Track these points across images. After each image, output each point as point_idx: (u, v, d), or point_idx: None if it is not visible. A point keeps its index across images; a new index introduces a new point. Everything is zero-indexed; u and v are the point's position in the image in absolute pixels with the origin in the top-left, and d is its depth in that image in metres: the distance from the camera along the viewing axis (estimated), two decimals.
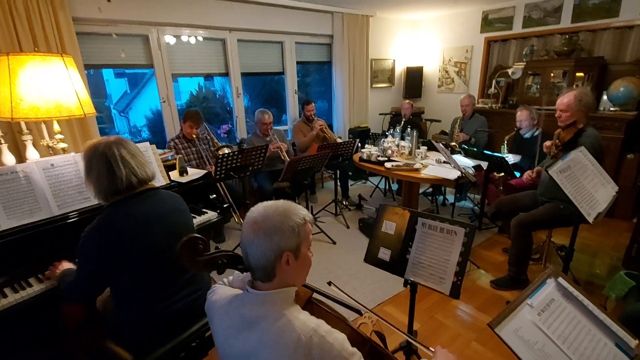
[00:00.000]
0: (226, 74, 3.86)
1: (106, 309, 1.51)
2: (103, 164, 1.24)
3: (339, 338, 0.83)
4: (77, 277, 1.30)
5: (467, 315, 2.24)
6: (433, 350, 1.15)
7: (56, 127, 2.01)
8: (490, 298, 2.38)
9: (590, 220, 1.67)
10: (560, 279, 1.21)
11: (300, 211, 0.90)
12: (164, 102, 3.44)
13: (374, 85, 5.21)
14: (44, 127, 2.05)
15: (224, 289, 1.01)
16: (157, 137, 3.91)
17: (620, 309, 2.04)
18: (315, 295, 1.14)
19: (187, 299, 1.44)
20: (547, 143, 2.29)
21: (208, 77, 4.54)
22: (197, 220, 2.11)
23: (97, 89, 4.46)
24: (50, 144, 2.09)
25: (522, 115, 3.18)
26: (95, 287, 1.34)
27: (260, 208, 0.89)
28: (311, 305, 1.25)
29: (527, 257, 2.42)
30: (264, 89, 5.64)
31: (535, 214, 2.34)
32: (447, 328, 2.11)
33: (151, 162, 2.06)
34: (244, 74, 3.99)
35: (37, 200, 1.61)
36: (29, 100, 1.70)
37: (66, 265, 1.49)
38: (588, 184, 1.84)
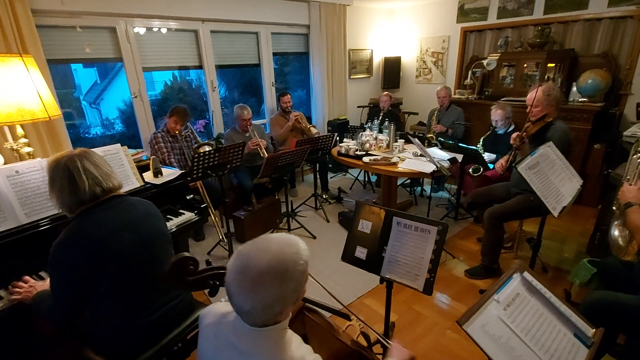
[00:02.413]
0: (200, 67, 3.76)
1: (83, 320, 1.49)
2: (65, 176, 1.21)
3: None
4: (54, 298, 1.26)
5: (443, 305, 2.34)
6: (391, 344, 1.18)
7: (19, 131, 1.91)
8: (465, 287, 2.49)
9: (556, 214, 1.75)
10: (526, 274, 1.27)
11: (299, 261, 0.78)
12: (136, 97, 3.32)
13: (352, 76, 5.20)
14: (7, 129, 1.95)
15: (216, 305, 0.96)
16: (132, 129, 3.77)
17: (584, 294, 2.17)
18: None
19: (165, 307, 1.42)
20: (514, 135, 2.36)
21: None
22: (175, 221, 2.08)
23: (64, 80, 4.24)
24: (15, 147, 1.99)
25: (497, 115, 3.19)
26: (76, 305, 1.28)
27: (253, 270, 0.75)
28: (302, 316, 1.27)
29: (499, 247, 2.53)
30: (243, 78, 5.52)
31: (506, 205, 2.44)
32: (424, 318, 2.20)
33: (123, 165, 2.01)
34: (219, 67, 3.89)
35: (2, 209, 1.54)
36: None
37: (39, 286, 1.43)
38: (555, 179, 1.92)
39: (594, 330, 1.20)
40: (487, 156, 3.20)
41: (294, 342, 0.84)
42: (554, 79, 3.71)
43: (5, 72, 1.65)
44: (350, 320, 1.31)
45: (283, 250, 0.78)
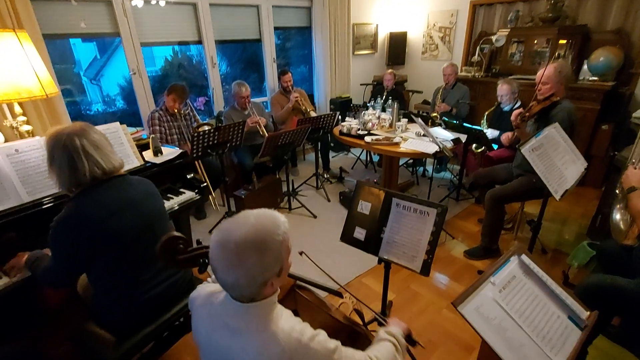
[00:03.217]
0: (200, 42, 3.67)
1: (87, 294, 1.53)
2: (64, 157, 1.19)
3: (322, 340, 0.84)
4: (52, 263, 1.29)
5: (440, 284, 2.37)
6: (387, 321, 1.20)
7: (17, 109, 1.90)
8: (463, 267, 2.51)
9: (557, 197, 1.74)
10: (524, 257, 1.27)
11: (277, 230, 0.80)
12: (134, 74, 3.26)
13: (356, 52, 5.05)
14: (5, 107, 1.94)
15: (204, 284, 0.99)
16: (133, 106, 3.73)
17: (582, 276, 2.19)
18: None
19: (166, 283, 1.46)
20: (516, 112, 2.30)
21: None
22: (175, 200, 2.09)
23: (63, 55, 4.16)
24: (14, 125, 1.99)
25: (503, 90, 3.15)
26: (71, 274, 1.35)
27: (231, 242, 0.77)
28: (293, 294, 1.29)
29: (499, 229, 2.53)
30: (244, 54, 5.39)
31: (508, 187, 2.42)
32: (421, 297, 2.24)
33: (122, 144, 2.00)
34: (219, 42, 3.79)
35: (4, 187, 1.55)
36: None
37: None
38: (559, 161, 1.89)
39: (588, 313, 1.21)
40: (491, 132, 3.16)
41: (284, 316, 0.85)
42: (564, 56, 3.59)
43: None
44: (342, 297, 1.34)
45: (260, 222, 0.80)
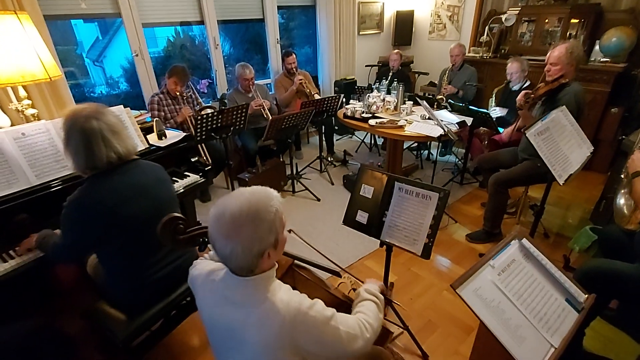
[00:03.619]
0: (202, 22, 3.60)
1: (97, 274, 1.58)
2: (81, 140, 1.20)
3: (319, 308, 0.88)
4: (62, 240, 1.33)
5: (441, 267, 2.40)
6: (364, 281, 1.24)
7: (22, 92, 1.90)
8: (465, 251, 2.54)
9: (561, 182, 1.73)
10: (524, 241, 1.29)
11: (270, 202, 0.85)
12: (137, 55, 3.24)
13: (361, 32, 4.94)
14: (10, 90, 1.94)
15: (203, 263, 1.03)
16: (136, 88, 3.71)
17: (583, 260, 2.20)
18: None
19: (173, 265, 1.50)
20: (522, 93, 2.26)
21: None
22: (180, 183, 2.11)
23: (65, 36, 4.12)
24: (20, 108, 2.00)
25: (512, 68, 3.12)
26: (81, 252, 1.41)
27: (227, 214, 0.81)
28: (292, 272, 1.32)
29: (502, 213, 2.54)
30: (247, 34, 5.29)
31: (512, 172, 2.41)
32: (422, 279, 2.28)
33: (127, 127, 2.00)
34: (221, 22, 3.72)
35: (13, 171, 1.58)
36: None
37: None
38: (564, 146, 1.87)
39: (586, 296, 1.24)
40: (499, 110, 3.13)
41: (282, 289, 0.90)
42: (576, 36, 3.49)
43: (1, 31, 1.61)
44: (341, 277, 1.37)
45: (254, 195, 0.85)
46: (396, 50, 4.26)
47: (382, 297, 1.15)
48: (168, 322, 1.63)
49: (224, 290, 0.90)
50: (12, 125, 2.10)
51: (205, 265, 1.00)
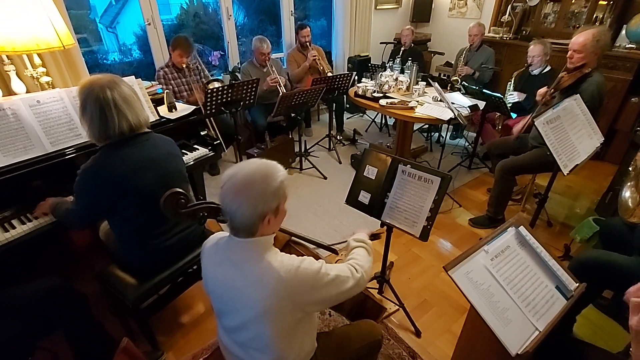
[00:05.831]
0: None
1: (109, 240, 1.66)
2: (96, 108, 1.25)
3: (309, 261, 0.97)
4: (75, 206, 1.40)
5: (442, 249, 2.45)
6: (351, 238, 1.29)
7: (37, 60, 1.94)
8: (466, 235, 2.57)
9: (565, 172, 1.72)
10: (521, 228, 1.31)
11: (278, 173, 0.94)
12: (149, 24, 3.21)
13: (378, 6, 4.77)
14: (25, 57, 1.98)
15: (216, 234, 1.09)
16: (149, 56, 3.71)
17: (583, 250, 2.21)
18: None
19: (180, 235, 1.58)
20: (542, 90, 2.20)
21: None
22: (190, 156, 2.16)
23: (78, 0, 4.09)
24: (35, 75, 2.04)
25: (534, 50, 2.97)
26: (92, 218, 1.47)
27: (240, 174, 0.92)
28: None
29: (506, 199, 2.54)
30: (261, 4, 5.17)
31: (520, 159, 2.38)
32: (422, 260, 2.33)
33: (139, 99, 2.03)
34: None
35: (29, 137, 1.64)
36: (3, 34, 1.62)
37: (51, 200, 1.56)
38: (573, 135, 1.85)
39: (577, 284, 1.27)
40: (517, 95, 3.05)
41: (279, 253, 0.98)
42: (602, 20, 3.33)
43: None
44: (338, 254, 1.42)
45: (265, 164, 0.96)
46: (408, 26, 4.12)
47: (370, 242, 1.25)
48: (175, 287, 1.72)
49: (226, 251, 0.98)
50: (27, 92, 2.15)
51: (216, 235, 1.08)
